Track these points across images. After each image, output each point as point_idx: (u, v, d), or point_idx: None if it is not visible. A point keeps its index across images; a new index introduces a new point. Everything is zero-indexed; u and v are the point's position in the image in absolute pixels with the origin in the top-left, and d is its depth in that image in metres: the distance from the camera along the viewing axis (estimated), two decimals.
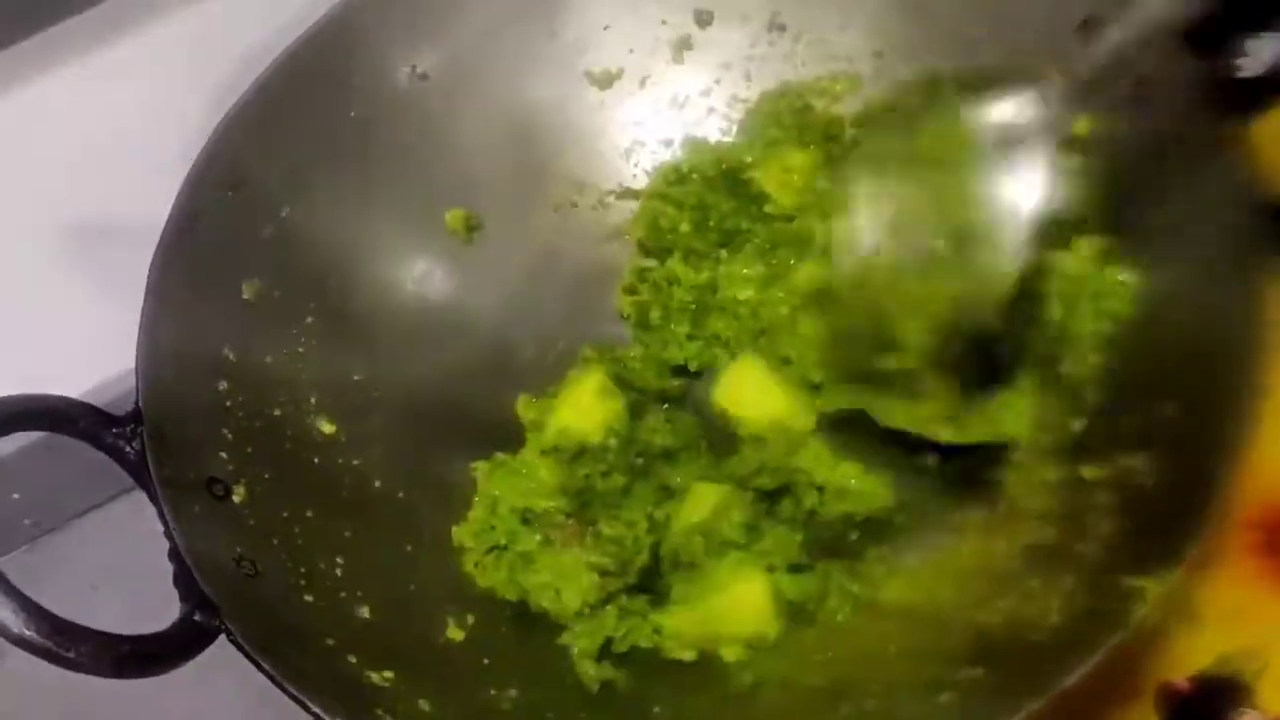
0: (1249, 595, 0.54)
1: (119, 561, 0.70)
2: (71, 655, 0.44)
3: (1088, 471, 0.51)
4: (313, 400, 0.59)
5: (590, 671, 0.54)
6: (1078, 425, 0.53)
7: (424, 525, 0.58)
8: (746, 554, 0.55)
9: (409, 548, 0.57)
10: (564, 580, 0.55)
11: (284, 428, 0.58)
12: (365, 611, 0.53)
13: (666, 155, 0.67)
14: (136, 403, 0.53)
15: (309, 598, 0.53)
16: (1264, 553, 0.55)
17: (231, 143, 0.60)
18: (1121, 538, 0.47)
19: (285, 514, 0.55)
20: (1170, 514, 0.46)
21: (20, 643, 0.43)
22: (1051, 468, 0.53)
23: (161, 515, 0.51)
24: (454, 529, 0.58)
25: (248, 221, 0.60)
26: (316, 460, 0.58)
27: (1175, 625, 0.53)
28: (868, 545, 0.55)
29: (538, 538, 0.56)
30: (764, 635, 0.53)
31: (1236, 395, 0.46)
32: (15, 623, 0.43)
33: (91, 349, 0.63)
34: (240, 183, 0.60)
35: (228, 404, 0.56)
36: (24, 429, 0.51)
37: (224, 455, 0.55)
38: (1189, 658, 0.52)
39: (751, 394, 0.60)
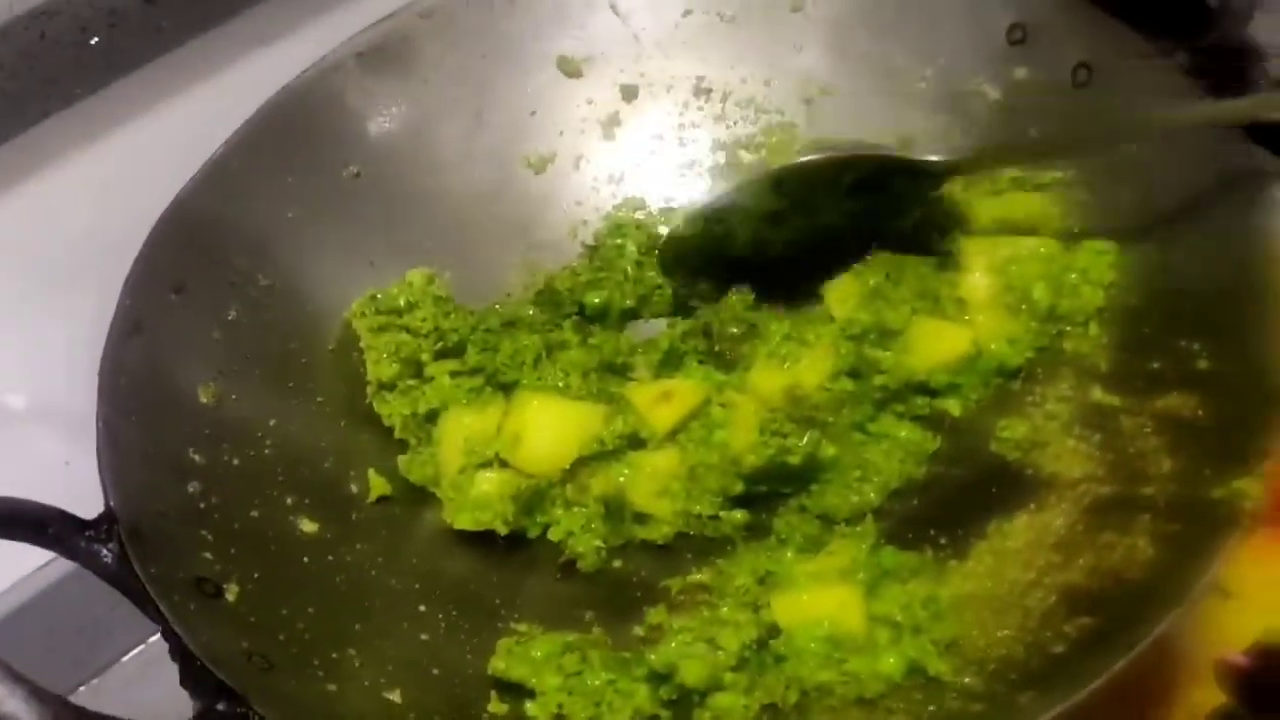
0: None
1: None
2: None
3: (1126, 423, 0.50)
4: (289, 501, 0.54)
5: None
6: (1097, 394, 0.53)
7: (432, 616, 0.53)
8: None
9: (424, 636, 0.52)
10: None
11: (265, 528, 0.53)
12: (396, 695, 0.48)
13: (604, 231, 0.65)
14: (107, 503, 0.48)
15: (331, 687, 0.47)
16: None
17: (168, 249, 0.56)
18: (1190, 464, 0.46)
19: (285, 611, 0.50)
20: (1236, 422, 0.45)
21: None
22: (1076, 436, 0.52)
23: (156, 614, 0.45)
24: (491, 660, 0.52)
25: (194, 325, 0.56)
26: (306, 559, 0.53)
27: (1216, 604, 0.52)
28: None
29: None
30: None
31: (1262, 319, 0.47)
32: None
33: None
34: (182, 287, 0.56)
35: (202, 505, 0.51)
36: None
37: (208, 555, 0.50)
38: (1235, 635, 0.51)
39: None
